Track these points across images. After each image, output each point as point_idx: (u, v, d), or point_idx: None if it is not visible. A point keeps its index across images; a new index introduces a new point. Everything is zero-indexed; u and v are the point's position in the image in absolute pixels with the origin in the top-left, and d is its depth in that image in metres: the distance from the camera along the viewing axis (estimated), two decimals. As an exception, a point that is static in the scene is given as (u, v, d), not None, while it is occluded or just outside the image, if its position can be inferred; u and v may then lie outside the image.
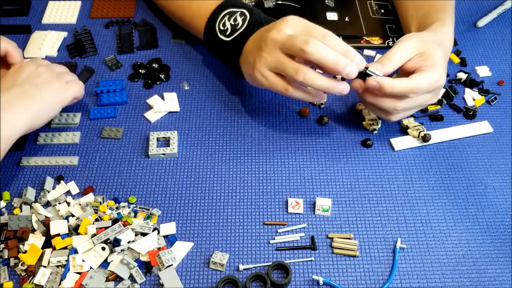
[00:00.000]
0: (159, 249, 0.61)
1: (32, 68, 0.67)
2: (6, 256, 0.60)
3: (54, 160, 0.70)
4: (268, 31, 0.66)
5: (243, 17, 0.71)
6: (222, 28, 0.72)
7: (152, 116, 0.75)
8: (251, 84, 0.71)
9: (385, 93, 0.64)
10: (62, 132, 0.73)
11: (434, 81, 0.65)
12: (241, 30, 0.70)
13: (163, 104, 0.76)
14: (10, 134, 0.60)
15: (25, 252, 0.60)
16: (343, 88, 0.63)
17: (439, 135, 0.74)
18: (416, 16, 0.79)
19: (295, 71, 0.62)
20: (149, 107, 0.77)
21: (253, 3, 0.89)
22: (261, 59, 0.65)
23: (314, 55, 0.60)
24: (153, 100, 0.77)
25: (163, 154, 0.70)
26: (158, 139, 0.72)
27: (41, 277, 0.58)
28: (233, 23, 0.71)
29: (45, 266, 0.59)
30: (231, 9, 0.72)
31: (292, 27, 0.64)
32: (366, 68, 0.64)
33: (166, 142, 0.72)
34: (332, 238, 0.63)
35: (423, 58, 0.66)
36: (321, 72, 0.64)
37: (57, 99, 0.66)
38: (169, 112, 0.76)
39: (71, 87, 0.69)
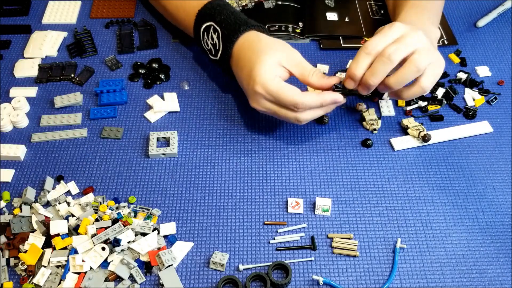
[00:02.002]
0: (159, 249, 0.61)
1: None
2: (6, 256, 0.60)
3: (64, 133, 0.72)
4: (248, 95, 0.68)
5: (216, 33, 0.71)
6: (207, 47, 0.73)
7: (152, 116, 0.76)
8: None
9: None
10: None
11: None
12: (220, 50, 0.71)
13: (163, 104, 0.76)
14: None
15: (25, 252, 0.60)
16: (336, 99, 0.66)
17: (439, 135, 0.74)
18: (393, 12, 0.81)
19: (294, 118, 0.66)
20: (149, 107, 0.77)
21: (253, 4, 0.89)
22: (254, 107, 0.68)
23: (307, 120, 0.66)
24: (153, 100, 0.77)
25: (163, 154, 0.70)
26: (158, 139, 0.72)
27: (41, 277, 0.58)
28: (211, 41, 0.71)
29: (45, 266, 0.59)
30: (205, 24, 0.72)
31: (266, 99, 0.65)
32: (340, 87, 0.67)
33: (166, 142, 0.72)
34: (332, 238, 0.63)
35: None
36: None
37: None
38: (169, 112, 0.76)
39: None
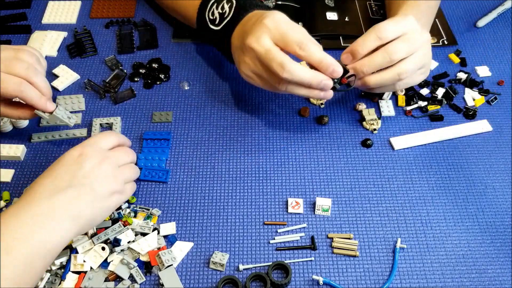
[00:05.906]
0: (159, 249, 0.61)
1: (97, 160, 0.58)
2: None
3: (64, 133, 0.73)
4: (248, 34, 0.65)
5: (229, 3, 0.71)
6: (211, 17, 0.73)
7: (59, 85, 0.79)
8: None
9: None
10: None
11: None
12: (228, 18, 0.71)
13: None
14: (58, 244, 0.53)
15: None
16: (326, 84, 0.63)
17: (439, 134, 0.74)
18: (388, 12, 0.82)
19: (277, 82, 0.64)
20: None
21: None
22: (244, 63, 0.67)
23: (290, 79, 0.62)
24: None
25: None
26: (101, 125, 0.73)
27: (39, 280, 0.58)
28: (220, 11, 0.72)
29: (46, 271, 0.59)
30: None
31: (270, 34, 0.63)
32: (335, 81, 0.65)
33: (109, 128, 0.73)
34: (332, 238, 0.63)
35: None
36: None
37: (109, 210, 0.59)
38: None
39: (126, 191, 0.62)
